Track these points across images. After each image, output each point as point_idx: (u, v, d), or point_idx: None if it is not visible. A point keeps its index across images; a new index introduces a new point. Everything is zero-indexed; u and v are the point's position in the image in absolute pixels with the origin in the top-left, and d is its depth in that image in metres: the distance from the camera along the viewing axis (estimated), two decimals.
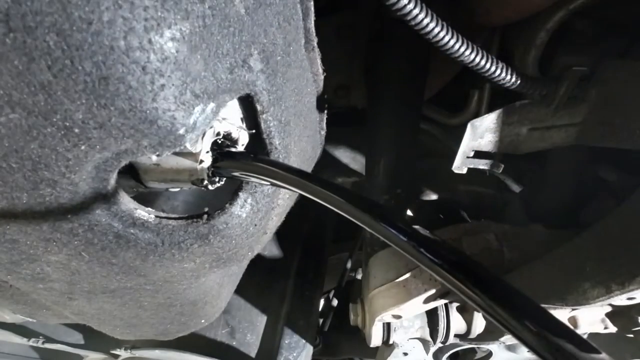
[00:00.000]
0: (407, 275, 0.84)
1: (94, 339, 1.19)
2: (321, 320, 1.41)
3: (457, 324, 0.94)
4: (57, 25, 0.26)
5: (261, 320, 1.16)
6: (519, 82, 0.67)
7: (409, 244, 0.33)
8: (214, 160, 0.45)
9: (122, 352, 1.09)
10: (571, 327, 0.90)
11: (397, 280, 0.86)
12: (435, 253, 0.32)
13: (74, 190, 0.37)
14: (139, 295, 0.57)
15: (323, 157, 0.79)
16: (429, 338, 0.96)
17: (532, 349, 0.26)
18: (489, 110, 0.87)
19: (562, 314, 0.89)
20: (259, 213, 0.53)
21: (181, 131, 0.34)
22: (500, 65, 0.64)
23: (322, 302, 1.53)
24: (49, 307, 0.62)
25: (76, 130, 0.32)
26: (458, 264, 0.31)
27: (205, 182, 0.45)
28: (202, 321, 0.75)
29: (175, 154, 0.43)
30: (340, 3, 0.93)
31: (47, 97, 0.29)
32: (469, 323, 0.95)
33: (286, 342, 1.14)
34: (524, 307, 0.28)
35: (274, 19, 0.43)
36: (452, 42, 0.58)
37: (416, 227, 0.34)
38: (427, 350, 1.00)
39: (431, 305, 0.86)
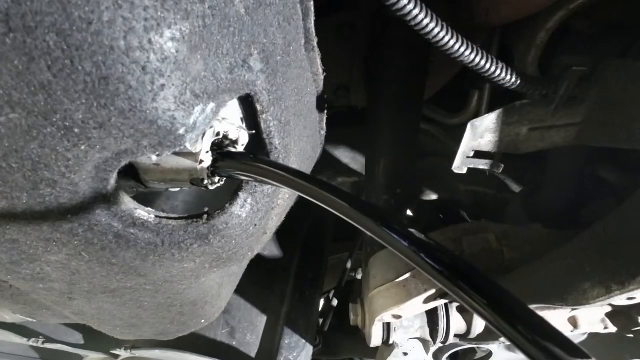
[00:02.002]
0: (407, 275, 0.84)
1: (94, 339, 1.19)
2: (321, 320, 1.41)
3: (457, 324, 0.94)
4: (57, 25, 0.26)
5: (261, 320, 1.16)
6: (519, 82, 0.67)
7: (409, 249, 0.33)
8: (214, 161, 0.45)
9: (122, 352, 1.09)
10: (571, 326, 0.90)
11: (397, 280, 0.86)
12: (431, 256, 0.32)
13: (74, 190, 0.37)
14: (139, 295, 0.57)
15: (323, 157, 0.79)
16: (429, 338, 0.96)
17: (523, 351, 0.27)
18: (489, 110, 0.87)
19: (562, 314, 0.89)
20: (259, 213, 0.53)
21: (181, 131, 0.34)
22: (500, 65, 0.64)
23: (322, 302, 1.53)
24: (49, 307, 0.62)
25: (76, 130, 0.31)
26: (453, 267, 0.31)
27: (205, 182, 0.45)
28: (202, 321, 0.75)
29: (175, 154, 0.43)
30: (340, 3, 0.93)
31: (47, 97, 0.29)
32: (469, 323, 0.95)
33: (286, 342, 1.14)
34: (517, 310, 0.28)
35: (274, 19, 0.43)
36: (452, 42, 0.58)
37: (411, 230, 0.34)
38: (427, 350, 1.00)
39: (431, 305, 0.86)
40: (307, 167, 0.70)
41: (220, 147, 0.46)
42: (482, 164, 0.85)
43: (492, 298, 0.29)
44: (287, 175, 0.41)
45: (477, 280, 0.30)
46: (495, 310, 0.28)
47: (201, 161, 0.43)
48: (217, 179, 0.47)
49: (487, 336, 0.98)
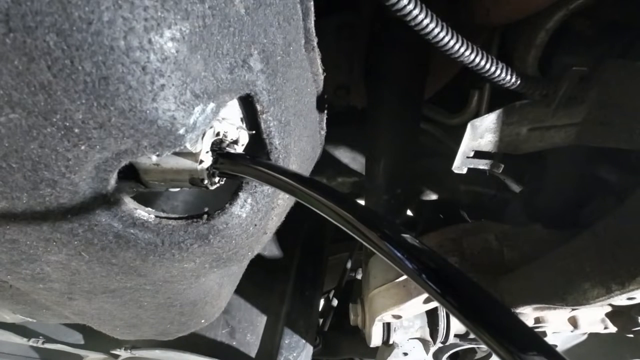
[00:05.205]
0: None
1: (94, 339, 1.19)
2: (321, 320, 1.41)
3: (457, 324, 0.94)
4: (57, 25, 0.26)
5: (261, 320, 1.16)
6: (519, 82, 0.67)
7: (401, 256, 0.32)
8: (214, 161, 0.45)
9: (122, 352, 1.09)
10: (571, 326, 0.90)
11: (397, 280, 0.86)
12: (419, 262, 0.31)
13: (74, 190, 0.37)
14: (139, 295, 0.57)
15: (323, 157, 0.79)
16: (429, 338, 0.96)
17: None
18: (489, 110, 0.87)
19: (562, 314, 0.89)
20: (259, 213, 0.53)
21: (181, 131, 0.34)
22: (500, 65, 0.64)
23: (322, 302, 1.53)
24: (49, 307, 0.62)
25: (76, 130, 0.31)
26: (440, 274, 0.30)
27: (205, 182, 0.45)
28: (202, 321, 0.75)
29: (175, 154, 0.43)
30: (340, 3, 0.93)
31: (47, 97, 0.29)
32: None
33: (286, 342, 1.14)
34: (502, 320, 0.27)
35: (274, 19, 0.43)
36: (451, 43, 0.58)
37: (405, 235, 0.33)
38: (427, 350, 1.00)
39: (431, 305, 0.87)
40: (307, 167, 0.70)
41: (220, 147, 0.46)
42: (482, 164, 0.85)
43: (481, 309, 0.27)
44: (286, 179, 0.41)
45: (465, 286, 0.29)
46: (481, 321, 0.27)
47: (201, 161, 0.43)
48: (216, 179, 0.47)
49: None
